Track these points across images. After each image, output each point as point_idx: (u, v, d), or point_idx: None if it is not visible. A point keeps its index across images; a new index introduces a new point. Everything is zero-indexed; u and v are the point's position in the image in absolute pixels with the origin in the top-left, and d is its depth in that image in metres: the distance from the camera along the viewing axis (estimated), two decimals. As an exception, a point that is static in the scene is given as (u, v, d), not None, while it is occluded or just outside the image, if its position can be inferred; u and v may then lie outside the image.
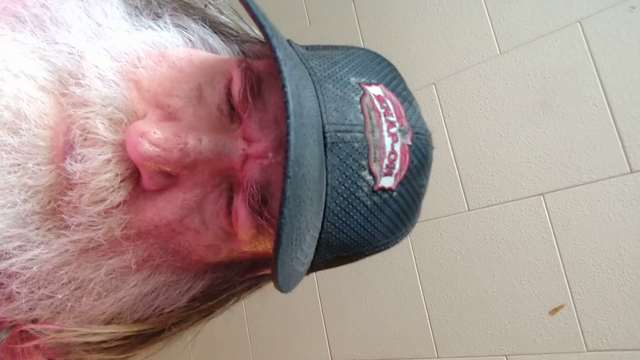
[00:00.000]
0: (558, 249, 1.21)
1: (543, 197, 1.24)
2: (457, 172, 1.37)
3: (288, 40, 0.38)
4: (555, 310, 1.19)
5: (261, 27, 0.27)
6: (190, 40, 0.38)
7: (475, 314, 1.30)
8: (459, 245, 1.35)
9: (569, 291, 1.18)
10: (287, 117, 0.25)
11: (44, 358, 0.36)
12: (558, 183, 1.22)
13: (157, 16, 0.38)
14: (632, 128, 1.14)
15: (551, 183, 1.23)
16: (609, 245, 1.15)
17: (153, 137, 0.30)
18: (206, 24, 0.40)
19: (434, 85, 1.42)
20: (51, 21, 0.34)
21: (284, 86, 0.25)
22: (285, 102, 0.25)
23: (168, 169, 0.31)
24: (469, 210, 1.34)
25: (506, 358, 1.26)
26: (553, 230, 1.22)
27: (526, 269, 1.24)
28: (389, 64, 0.40)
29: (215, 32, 0.40)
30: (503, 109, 1.31)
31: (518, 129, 1.28)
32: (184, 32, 0.38)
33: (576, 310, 1.17)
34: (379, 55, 0.40)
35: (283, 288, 0.29)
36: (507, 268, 1.27)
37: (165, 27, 0.37)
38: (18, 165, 0.30)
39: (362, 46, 1.57)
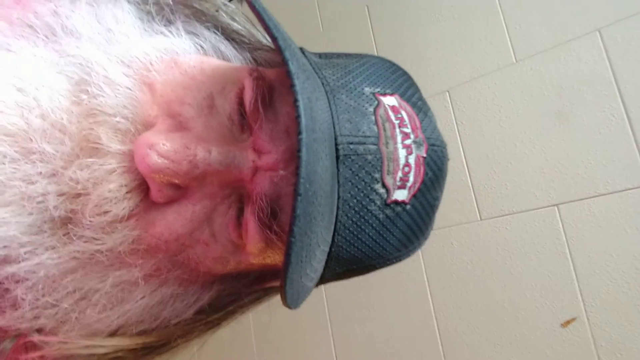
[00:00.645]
0: (572, 260, 1.19)
1: (557, 208, 1.22)
2: (469, 181, 1.36)
3: (301, 49, 0.38)
4: (568, 322, 1.18)
5: (274, 39, 0.27)
6: (202, 47, 0.38)
7: (485, 324, 1.29)
8: (469, 254, 1.34)
9: (582, 304, 1.17)
10: (299, 133, 0.24)
11: None
12: (573, 194, 1.21)
13: (169, 22, 0.38)
14: (651, 139, 1.12)
15: (566, 194, 1.22)
16: (624, 258, 1.13)
17: (162, 149, 0.30)
18: (218, 31, 0.39)
19: (447, 93, 1.41)
20: (62, 30, 0.34)
21: (296, 100, 0.25)
22: (297, 117, 0.24)
23: (177, 181, 0.31)
24: (480, 219, 1.33)
25: (516, 370, 1.24)
26: (567, 241, 1.20)
27: (538, 280, 1.23)
28: (405, 73, 0.39)
29: (228, 40, 0.40)
30: (518, 117, 1.30)
31: (533, 138, 1.27)
32: (196, 39, 0.38)
33: (589, 324, 1.16)
34: (394, 64, 0.40)
35: (292, 306, 0.29)
36: (519, 279, 1.25)
37: (177, 34, 0.37)
38: (49, 173, 0.30)
39: (375, 52, 1.57)
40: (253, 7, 0.28)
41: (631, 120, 1.15)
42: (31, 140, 0.29)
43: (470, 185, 1.35)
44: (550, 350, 1.20)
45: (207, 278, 0.38)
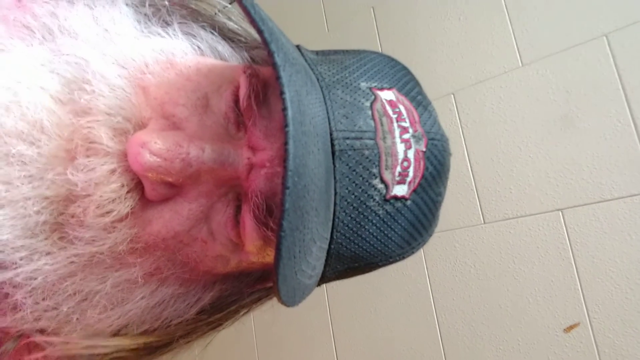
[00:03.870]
0: (575, 265, 1.19)
1: (562, 212, 1.22)
2: (473, 184, 1.35)
3: (298, 46, 0.38)
4: (571, 328, 1.18)
5: (260, 32, 0.26)
6: (199, 47, 0.38)
7: (487, 328, 1.29)
8: (473, 257, 1.33)
9: (585, 309, 1.16)
10: (286, 125, 0.24)
11: None
12: (578, 199, 1.20)
13: (166, 24, 0.38)
14: (657, 145, 1.12)
15: (570, 199, 1.21)
16: (629, 264, 1.13)
17: (154, 147, 0.30)
18: (215, 31, 0.39)
19: (452, 95, 1.41)
20: (60, 30, 0.34)
21: (282, 92, 0.24)
22: (284, 110, 0.24)
23: (170, 179, 0.31)
24: (484, 222, 1.33)
25: (518, 375, 1.24)
26: (571, 246, 1.20)
27: (542, 284, 1.22)
28: (404, 68, 0.39)
29: (224, 39, 0.40)
30: (523, 121, 1.29)
31: (538, 143, 1.27)
32: (193, 39, 0.38)
33: (592, 329, 1.15)
34: (392, 59, 0.39)
35: (288, 303, 0.28)
36: (522, 283, 1.25)
37: (174, 35, 0.37)
38: (31, 176, 0.29)
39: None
40: (240, 3, 0.28)
41: (637, 126, 1.15)
42: (6, 142, 0.29)
43: (474, 188, 1.35)
44: (553, 356, 1.19)
45: (208, 278, 0.38)
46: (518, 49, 1.32)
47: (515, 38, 1.33)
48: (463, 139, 1.37)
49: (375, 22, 1.58)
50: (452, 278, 1.36)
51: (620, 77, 1.17)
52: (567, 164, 1.22)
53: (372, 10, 1.59)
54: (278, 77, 0.25)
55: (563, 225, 1.21)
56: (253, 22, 0.27)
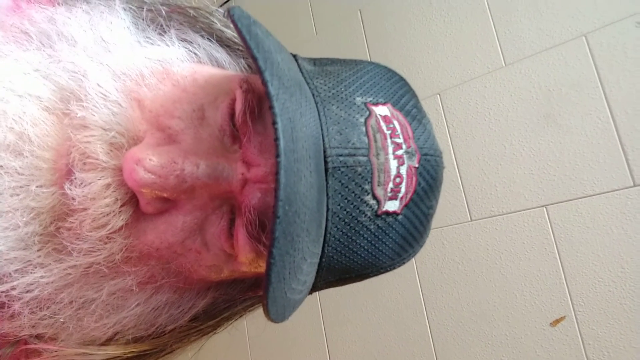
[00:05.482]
0: (560, 260, 1.20)
1: (546, 208, 1.24)
2: (460, 182, 1.36)
3: (294, 56, 0.37)
4: (557, 321, 1.19)
5: (254, 59, 0.26)
6: (196, 54, 0.37)
7: (476, 323, 1.30)
8: (460, 255, 1.34)
9: (570, 303, 1.18)
10: (277, 156, 0.24)
11: None
12: (561, 195, 1.22)
13: (164, 31, 0.38)
14: (636, 142, 1.14)
15: (554, 195, 1.23)
16: (611, 258, 1.14)
17: (149, 164, 0.29)
18: (212, 38, 0.39)
19: (438, 96, 1.42)
20: (58, 36, 0.33)
21: (274, 122, 0.25)
22: (276, 140, 0.24)
23: (165, 195, 0.31)
24: (471, 220, 1.34)
25: (506, 369, 1.25)
26: (555, 242, 1.21)
27: (528, 279, 1.24)
28: (400, 79, 0.39)
29: (222, 47, 0.40)
30: (507, 120, 1.31)
31: (522, 141, 1.28)
32: (190, 46, 0.37)
33: (577, 322, 1.17)
34: (389, 71, 0.39)
35: (277, 320, 0.28)
36: (509, 278, 1.26)
37: (170, 43, 0.37)
38: (20, 187, 0.29)
39: (368, 55, 1.58)
40: (236, 26, 0.28)
41: (616, 123, 1.16)
42: None
43: (460, 186, 1.36)
44: (540, 349, 1.21)
45: (202, 285, 0.38)
46: (501, 50, 1.33)
47: (498, 39, 1.34)
48: (449, 138, 1.39)
49: (362, 24, 1.59)
50: (441, 275, 1.37)
51: (599, 76, 1.19)
52: (550, 161, 1.24)
53: (359, 12, 1.59)
54: (271, 107, 0.25)
55: (547, 221, 1.23)
56: (248, 48, 0.27)
